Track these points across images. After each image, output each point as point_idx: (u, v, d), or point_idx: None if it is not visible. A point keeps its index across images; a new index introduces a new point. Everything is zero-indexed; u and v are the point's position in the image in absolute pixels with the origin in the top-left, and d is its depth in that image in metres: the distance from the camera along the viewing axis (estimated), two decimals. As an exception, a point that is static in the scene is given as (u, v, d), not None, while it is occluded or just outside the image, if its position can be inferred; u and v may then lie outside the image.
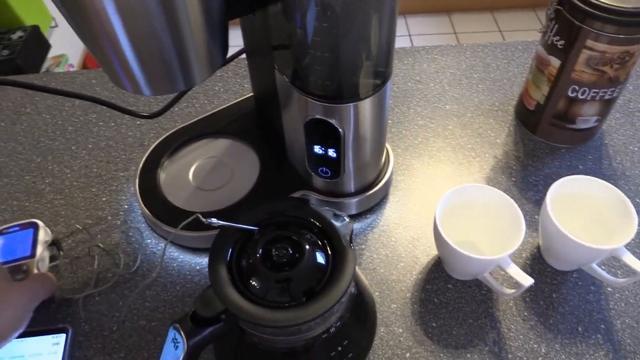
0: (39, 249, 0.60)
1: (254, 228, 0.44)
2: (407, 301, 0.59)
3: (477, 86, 0.81)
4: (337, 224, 0.45)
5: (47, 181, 0.72)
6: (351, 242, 0.44)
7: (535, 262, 0.62)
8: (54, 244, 0.63)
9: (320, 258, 0.43)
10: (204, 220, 0.42)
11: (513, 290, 0.55)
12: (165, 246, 0.63)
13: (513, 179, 0.69)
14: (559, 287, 0.60)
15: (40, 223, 0.62)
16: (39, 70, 1.70)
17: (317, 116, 0.52)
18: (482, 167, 0.71)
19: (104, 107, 0.79)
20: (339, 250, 0.43)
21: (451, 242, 0.53)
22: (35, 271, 0.58)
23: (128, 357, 0.55)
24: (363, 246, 0.63)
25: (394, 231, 0.64)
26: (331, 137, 0.53)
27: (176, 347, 0.41)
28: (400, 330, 0.57)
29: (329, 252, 0.43)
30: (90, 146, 0.76)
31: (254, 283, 0.41)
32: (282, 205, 0.46)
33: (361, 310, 0.50)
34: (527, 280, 0.52)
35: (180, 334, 0.40)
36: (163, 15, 0.41)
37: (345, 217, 0.45)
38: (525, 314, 0.58)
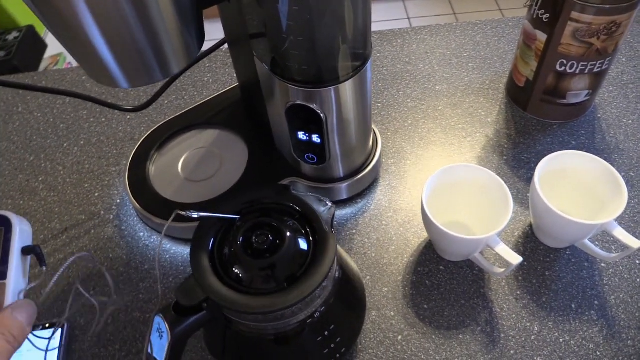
0: (12, 263, 0.41)
1: (234, 217, 0.44)
2: (399, 284, 0.59)
3: (467, 65, 0.80)
4: (320, 209, 0.45)
5: (40, 179, 0.72)
6: (332, 227, 0.44)
7: (528, 240, 0.62)
8: (32, 252, 0.43)
9: (301, 244, 0.42)
10: (183, 213, 0.42)
11: (503, 269, 0.55)
12: (160, 243, 0.63)
13: (505, 157, 0.69)
14: (552, 264, 0.59)
15: (12, 218, 0.42)
16: (37, 70, 1.71)
17: (298, 102, 0.51)
18: (473, 146, 0.70)
19: (95, 103, 0.79)
20: (320, 235, 0.43)
21: (438, 224, 0.53)
22: (7, 301, 0.40)
23: (123, 349, 0.56)
24: (354, 231, 0.63)
25: (385, 215, 0.64)
26: (313, 122, 0.53)
27: (161, 337, 0.41)
28: (392, 313, 0.57)
29: (310, 237, 0.43)
30: (82, 142, 0.76)
31: (235, 271, 0.42)
32: (263, 193, 0.46)
33: (348, 295, 0.50)
34: (515, 259, 0.51)
35: (165, 324, 0.41)
36: (133, 6, 0.41)
37: (327, 202, 0.45)
38: (518, 292, 0.58)
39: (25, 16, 1.76)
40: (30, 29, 1.69)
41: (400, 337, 0.55)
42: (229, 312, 0.42)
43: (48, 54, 1.79)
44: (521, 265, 0.59)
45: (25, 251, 0.42)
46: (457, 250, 0.57)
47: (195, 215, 0.42)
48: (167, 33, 0.45)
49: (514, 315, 0.56)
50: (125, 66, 0.46)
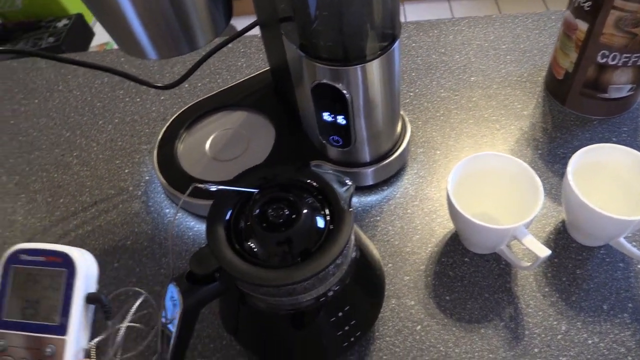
0: (75, 315, 0.35)
1: (252, 190, 0.44)
2: (421, 274, 0.57)
3: (505, 57, 0.78)
4: (339, 188, 0.44)
5: (74, 154, 0.74)
6: (350, 205, 0.43)
7: (560, 237, 0.59)
8: (97, 302, 0.37)
9: (317, 219, 0.42)
10: (201, 186, 0.42)
11: (530, 263, 0.53)
12: (175, 215, 0.64)
13: (539, 151, 0.66)
14: (584, 263, 0.57)
15: (76, 257, 0.36)
16: (85, 58, 1.76)
17: (324, 81, 0.51)
18: (506, 139, 0.68)
19: (131, 83, 0.81)
20: (337, 212, 0.42)
21: (463, 212, 0.51)
22: None
23: (143, 321, 0.56)
24: (378, 218, 0.62)
25: (411, 203, 0.63)
26: (339, 102, 0.52)
27: (174, 305, 0.41)
28: (412, 302, 0.55)
29: (328, 215, 0.43)
30: (116, 121, 0.78)
31: (250, 244, 0.41)
32: (282, 169, 0.46)
33: (366, 278, 0.49)
34: (543, 251, 0.49)
35: (178, 292, 0.41)
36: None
37: (347, 181, 0.44)
38: (546, 290, 0.55)
39: (74, 5, 1.82)
40: (79, 17, 1.75)
41: (419, 327, 0.54)
42: (242, 284, 0.42)
43: (95, 42, 1.85)
44: (551, 262, 0.57)
45: (90, 300, 0.36)
46: (483, 241, 0.55)
47: (213, 188, 0.42)
48: (194, 5, 0.45)
49: (540, 313, 0.54)
50: (154, 37, 0.47)
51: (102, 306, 0.36)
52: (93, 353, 0.35)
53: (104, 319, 0.35)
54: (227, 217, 0.43)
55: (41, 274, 0.35)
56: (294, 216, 0.41)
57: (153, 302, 0.42)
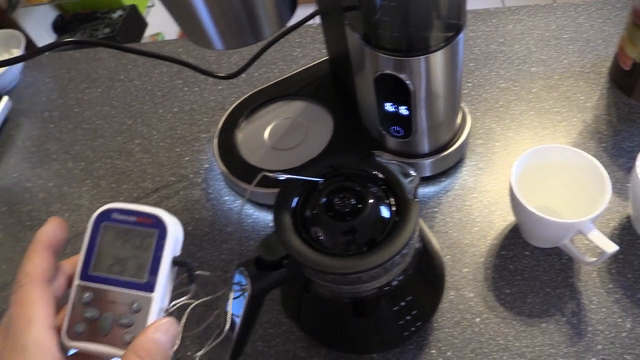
0: (162, 275, 0.36)
1: (319, 180, 0.44)
2: (480, 266, 0.57)
3: (567, 47, 0.76)
4: (403, 179, 0.44)
5: (136, 142, 0.77)
6: (415, 196, 0.43)
7: (625, 232, 0.58)
8: (183, 266, 0.37)
9: (383, 209, 0.42)
10: (270, 175, 0.43)
11: (595, 259, 0.52)
12: (242, 204, 0.65)
13: (603, 144, 0.64)
14: (651, 259, 0.55)
15: (167, 220, 0.36)
16: (138, 48, 1.81)
17: (387, 71, 0.51)
18: (568, 131, 0.66)
19: (189, 73, 0.83)
20: (403, 202, 0.42)
21: (527, 205, 0.50)
22: (150, 318, 0.35)
23: (205, 303, 0.58)
24: (436, 209, 0.62)
25: (469, 195, 0.62)
26: (402, 93, 0.52)
27: (241, 290, 0.43)
28: (471, 294, 0.55)
29: (393, 204, 0.43)
30: (175, 110, 0.80)
31: (316, 232, 0.42)
32: (347, 159, 0.46)
33: (428, 269, 0.49)
34: (610, 247, 0.48)
35: (245, 277, 0.42)
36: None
37: (412, 172, 0.45)
38: (610, 286, 0.54)
39: (129, -4, 1.87)
40: (133, 7, 1.79)
41: (478, 320, 0.54)
42: (308, 271, 0.43)
43: (148, 32, 1.89)
44: (615, 258, 0.56)
45: (176, 263, 0.37)
46: (546, 235, 0.54)
47: (282, 177, 0.43)
48: (262, -3, 0.46)
49: (603, 309, 0.53)
50: (221, 28, 0.47)
51: (187, 270, 0.36)
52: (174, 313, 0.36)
53: (188, 284, 0.36)
54: (293, 205, 0.44)
55: (132, 234, 0.36)
56: (360, 206, 0.42)
57: (218, 284, 0.43)
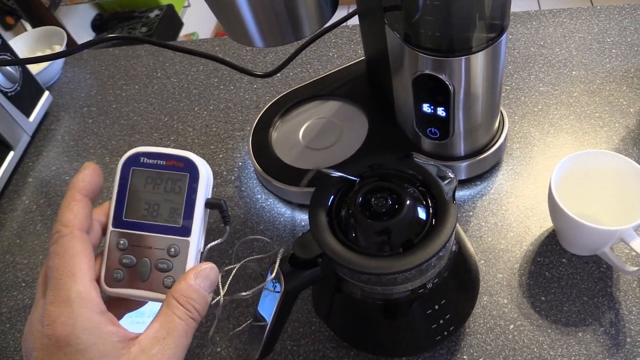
0: (197, 218, 0.35)
1: (354, 179, 0.44)
2: (515, 272, 0.56)
3: (611, 51, 0.74)
4: (440, 180, 0.44)
5: (172, 138, 0.78)
6: (453, 198, 0.42)
7: (668, 242, 0.56)
8: (217, 208, 0.36)
9: (420, 211, 0.42)
10: (324, 171, 0.43)
11: (636, 268, 0.50)
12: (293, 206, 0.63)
13: (646, 151, 0.63)
14: (695, 271, 0.53)
15: (198, 163, 0.36)
16: (173, 47, 1.84)
17: (427, 71, 0.50)
18: (610, 137, 0.65)
19: (225, 72, 0.84)
20: (440, 204, 0.42)
21: (568, 210, 0.49)
22: (189, 263, 0.35)
23: (235, 301, 0.59)
24: (470, 213, 0.61)
25: (505, 200, 0.61)
26: (440, 94, 0.52)
27: (275, 288, 0.43)
28: (505, 301, 0.54)
29: (430, 205, 0.42)
30: (211, 107, 0.81)
31: (352, 231, 0.42)
32: (385, 158, 0.46)
33: (463, 273, 0.48)
34: (653, 256, 0.47)
35: (279, 275, 0.42)
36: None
37: (450, 174, 0.44)
38: (651, 296, 0.52)
39: (166, -4, 1.90)
40: (170, 7, 1.82)
41: (512, 327, 0.53)
42: (342, 271, 0.42)
43: (183, 32, 1.92)
44: (657, 268, 0.54)
45: (209, 205, 0.36)
46: (586, 242, 0.53)
47: (335, 174, 0.43)
48: (304, -5, 0.46)
49: (644, 320, 0.51)
50: (263, 26, 0.48)
51: (221, 212, 0.36)
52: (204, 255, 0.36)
53: (223, 224, 0.36)
54: (329, 204, 0.44)
55: (162, 177, 0.35)
56: (396, 206, 0.41)
57: (257, 270, 0.44)
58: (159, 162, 0.36)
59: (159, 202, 0.36)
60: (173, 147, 0.72)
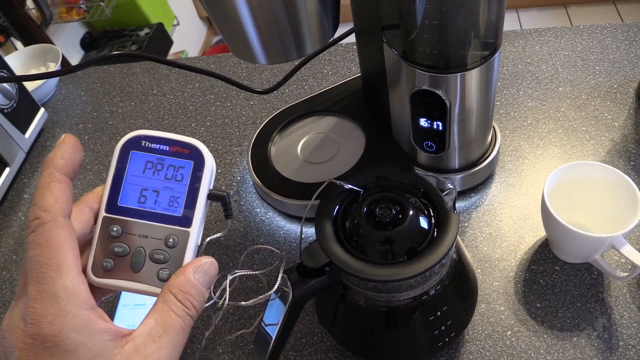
0: (199, 209, 0.34)
1: (359, 189, 0.46)
2: (510, 280, 0.58)
3: (594, 68, 0.77)
4: (440, 191, 0.45)
5: (169, 154, 0.79)
6: (454, 207, 0.44)
7: (654, 249, 0.58)
8: (219, 200, 0.35)
9: (422, 220, 0.43)
10: (337, 182, 0.45)
11: (626, 274, 0.52)
12: (302, 222, 0.62)
13: (632, 162, 0.65)
14: (681, 276, 0.56)
15: (205, 152, 0.34)
16: (162, 65, 1.85)
17: (424, 87, 0.53)
18: (596, 149, 0.67)
19: (221, 88, 0.85)
20: (442, 213, 0.43)
21: (560, 219, 0.51)
22: (187, 256, 0.34)
23: (236, 313, 0.59)
24: (466, 224, 0.63)
25: (499, 210, 0.63)
26: (437, 109, 0.54)
27: (281, 296, 0.44)
28: (502, 308, 0.56)
29: (432, 215, 0.44)
30: (208, 123, 0.82)
31: (357, 240, 0.43)
32: (387, 170, 0.47)
33: (463, 280, 0.50)
34: (643, 262, 0.49)
35: (287, 283, 0.43)
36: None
37: (449, 185, 0.46)
38: (641, 302, 0.55)
39: (156, 14, 1.91)
40: (160, 26, 1.84)
41: (509, 333, 0.54)
42: (349, 279, 0.44)
43: (173, 50, 1.93)
44: (645, 274, 0.56)
45: (212, 197, 0.34)
46: (578, 250, 0.55)
47: (347, 186, 0.45)
48: (306, 14, 0.48)
49: (635, 324, 0.53)
50: (266, 44, 0.50)
51: (224, 204, 0.34)
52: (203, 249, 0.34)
53: (225, 218, 0.34)
54: (334, 214, 0.45)
55: (164, 163, 0.34)
56: (400, 216, 0.43)
57: (264, 281, 0.44)
58: (161, 147, 0.34)
59: (158, 189, 0.33)
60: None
